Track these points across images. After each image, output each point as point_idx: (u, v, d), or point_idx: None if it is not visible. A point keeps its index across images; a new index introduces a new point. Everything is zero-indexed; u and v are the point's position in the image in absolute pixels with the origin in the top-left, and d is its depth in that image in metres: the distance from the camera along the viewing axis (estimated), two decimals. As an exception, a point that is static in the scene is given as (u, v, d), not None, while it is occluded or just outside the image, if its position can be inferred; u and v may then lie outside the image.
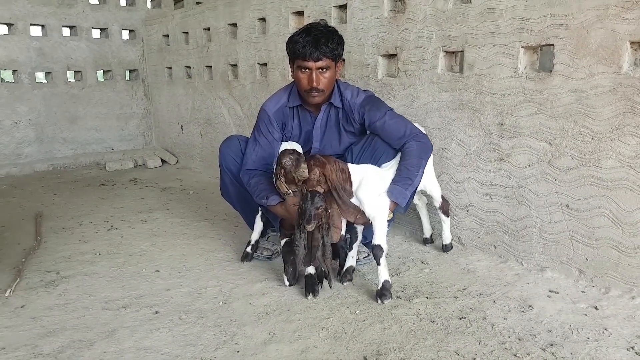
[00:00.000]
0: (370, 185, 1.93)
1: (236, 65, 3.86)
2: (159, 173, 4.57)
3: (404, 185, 1.94)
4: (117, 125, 5.13)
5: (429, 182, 2.24)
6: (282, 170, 1.90)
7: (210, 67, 4.16)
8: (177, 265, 2.32)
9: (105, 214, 3.21)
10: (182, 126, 4.77)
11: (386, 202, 1.92)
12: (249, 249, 2.34)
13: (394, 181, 1.96)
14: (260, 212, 2.30)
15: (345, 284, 2.04)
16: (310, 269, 1.95)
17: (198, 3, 4.73)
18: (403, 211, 2.04)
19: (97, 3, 4.94)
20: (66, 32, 4.73)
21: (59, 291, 2.05)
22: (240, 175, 2.22)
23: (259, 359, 1.53)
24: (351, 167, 1.97)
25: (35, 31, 4.57)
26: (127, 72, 5.16)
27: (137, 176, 4.41)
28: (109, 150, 5.06)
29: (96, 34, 4.94)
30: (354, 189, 1.93)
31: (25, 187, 3.97)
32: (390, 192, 1.94)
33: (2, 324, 1.77)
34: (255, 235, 2.34)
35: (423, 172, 2.02)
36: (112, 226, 2.96)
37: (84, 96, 4.87)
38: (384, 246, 1.91)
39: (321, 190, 1.85)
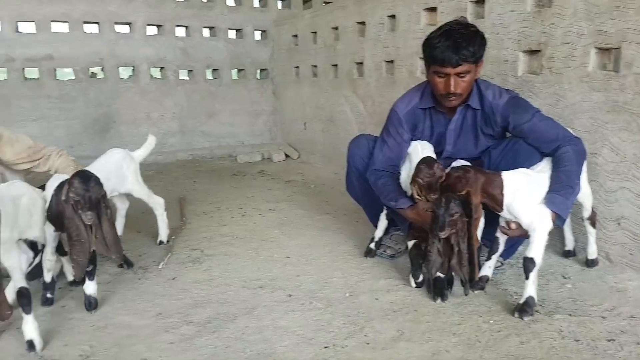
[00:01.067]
0: (528, 194, 1.78)
1: (362, 63, 3.93)
2: (283, 167, 4.83)
3: (565, 195, 1.77)
4: (248, 121, 5.50)
5: (582, 189, 2.02)
6: (418, 180, 1.85)
7: (336, 65, 4.28)
8: (305, 253, 2.44)
9: (239, 201, 3.47)
10: (305, 123, 4.98)
11: (547, 212, 1.76)
12: (372, 246, 2.38)
13: (552, 190, 1.79)
14: (385, 210, 2.32)
15: (476, 292, 1.95)
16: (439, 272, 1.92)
17: (326, 3, 4.89)
18: (561, 223, 1.83)
19: (234, 5, 5.33)
20: (206, 32, 5.17)
21: (204, 267, 2.28)
22: (367, 175, 2.24)
23: (389, 355, 1.55)
24: (505, 176, 1.78)
25: (180, 32, 5.06)
26: (258, 71, 5.51)
27: (264, 169, 4.70)
28: (240, 144, 5.45)
29: (232, 34, 5.33)
30: (507, 200, 1.76)
31: (169, 173, 4.43)
32: (551, 202, 1.76)
33: (157, 292, 2.02)
34: (379, 233, 2.37)
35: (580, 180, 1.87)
36: (245, 213, 3.20)
37: (221, 93, 5.29)
38: (538, 260, 1.76)
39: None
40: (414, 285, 2.02)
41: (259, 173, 4.52)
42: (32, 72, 4.56)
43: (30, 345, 1.57)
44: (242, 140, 5.49)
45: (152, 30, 4.95)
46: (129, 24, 4.78)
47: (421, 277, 2.01)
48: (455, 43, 1.87)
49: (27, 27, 4.44)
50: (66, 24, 4.52)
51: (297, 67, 4.98)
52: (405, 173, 2.15)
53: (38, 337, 1.58)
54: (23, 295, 1.56)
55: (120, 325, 1.74)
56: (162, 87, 5.00)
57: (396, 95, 3.44)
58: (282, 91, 5.42)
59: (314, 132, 4.82)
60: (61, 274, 2.08)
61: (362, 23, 3.86)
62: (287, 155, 5.18)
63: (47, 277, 1.87)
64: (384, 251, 2.37)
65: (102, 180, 1.77)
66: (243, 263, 2.32)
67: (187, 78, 5.18)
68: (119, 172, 2.36)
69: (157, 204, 2.55)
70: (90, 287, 1.84)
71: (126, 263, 2.24)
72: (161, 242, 2.55)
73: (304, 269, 2.25)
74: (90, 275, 1.82)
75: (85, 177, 1.69)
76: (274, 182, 4.15)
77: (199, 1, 5.02)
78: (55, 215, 1.76)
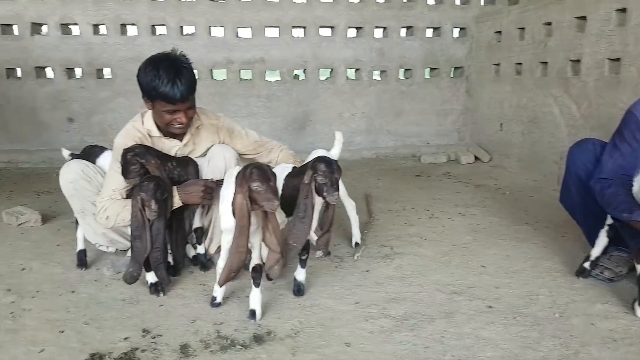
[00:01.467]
0: None
1: (578, 60, 3.53)
2: (471, 169, 4.62)
3: None
4: (435, 121, 5.40)
5: None
6: None
7: (545, 63, 3.92)
8: (503, 265, 2.30)
9: (425, 202, 3.43)
10: (501, 124, 4.68)
11: None
12: (586, 265, 2.12)
13: None
14: (606, 227, 2.05)
15: None
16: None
17: (537, -3, 4.50)
18: None
19: (434, 3, 5.26)
20: (403, 33, 5.20)
21: (395, 265, 2.31)
22: (591, 184, 2.00)
23: (615, 388, 1.38)
24: None
25: (378, 33, 5.16)
26: (453, 69, 5.36)
27: (449, 170, 4.56)
28: (424, 144, 5.39)
29: (429, 33, 5.27)
30: None
31: (355, 170, 4.59)
32: None
33: (354, 282, 2.12)
34: (596, 252, 2.10)
35: None
36: (432, 215, 3.15)
37: (411, 92, 5.29)
38: None
39: None
40: (639, 314, 1.77)
41: (444, 175, 4.40)
42: (246, 74, 5.13)
43: (252, 314, 1.79)
44: (428, 141, 5.41)
45: (351, 33, 5.17)
46: (332, 27, 5.07)
47: None
48: None
49: (244, 32, 5.02)
50: (277, 28, 4.98)
51: (497, 64, 4.70)
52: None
53: (260, 308, 1.80)
54: (256, 271, 1.79)
55: (323, 307, 1.88)
56: (355, 88, 5.20)
57: (620, 97, 3.06)
58: (477, 90, 5.19)
59: (511, 133, 4.51)
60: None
61: (582, 18, 3.46)
62: (476, 158, 4.94)
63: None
64: (601, 272, 2.10)
65: None
66: (434, 266, 2.29)
67: (380, 78, 5.30)
68: None
69: (350, 205, 2.57)
70: (301, 274, 1.97)
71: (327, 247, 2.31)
72: (357, 244, 2.54)
73: (503, 281, 2.12)
74: (303, 263, 1.97)
75: (329, 161, 1.79)
76: (462, 185, 4.00)
77: (399, 1, 5.08)
78: (287, 200, 1.91)
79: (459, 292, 2.01)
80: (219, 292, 1.88)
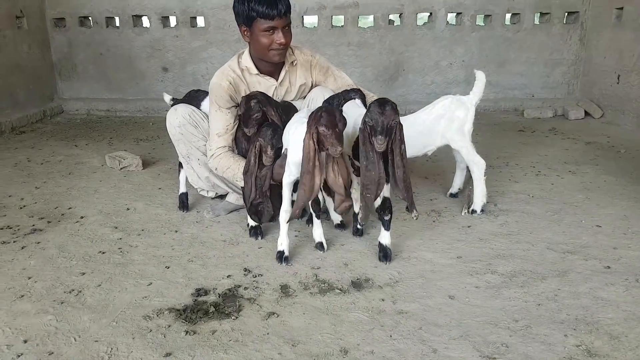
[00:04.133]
0: None
1: None
2: (580, 125, 4.27)
3: None
4: (543, 72, 4.99)
5: None
6: None
7: (682, 4, 3.44)
8: (620, 225, 2.15)
9: (530, 159, 3.24)
10: (619, 76, 4.23)
11: None
12: None
13: None
14: None
15: None
16: None
17: None
18: None
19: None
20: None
21: (499, 221, 2.23)
22: None
23: None
24: None
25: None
26: (566, 14, 4.87)
27: (556, 126, 4.24)
28: (528, 97, 5.03)
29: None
30: None
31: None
32: None
33: (454, 237, 2.07)
34: None
35: None
36: (539, 172, 2.97)
37: (517, 40, 4.89)
38: None
39: None
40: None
41: (550, 131, 4.11)
42: (338, 20, 4.99)
43: (320, 245, 1.94)
44: (532, 93, 5.04)
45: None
46: (432, -34, 4.76)
47: None
48: None
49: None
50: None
51: (619, 8, 4.20)
52: None
53: (324, 241, 1.96)
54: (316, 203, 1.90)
55: (422, 260, 1.87)
56: (455, 34, 4.90)
57: None
58: (592, 37, 4.69)
59: (630, 87, 4.06)
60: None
61: None
62: (587, 113, 4.54)
63: (356, 208, 2.01)
64: None
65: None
66: (544, 224, 2.19)
67: (483, 24, 4.95)
68: (450, 120, 2.22)
69: (476, 164, 2.28)
70: (385, 237, 1.86)
71: (413, 207, 1.90)
72: (474, 212, 2.30)
73: (621, 241, 1.98)
74: (386, 224, 1.84)
75: (382, 103, 1.64)
76: (571, 141, 3.72)
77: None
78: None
79: (573, 251, 1.91)
80: (285, 246, 1.87)
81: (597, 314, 1.47)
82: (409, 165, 1.70)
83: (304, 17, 4.92)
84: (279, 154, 1.89)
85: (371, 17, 4.91)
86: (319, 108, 1.67)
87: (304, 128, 1.67)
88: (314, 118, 1.62)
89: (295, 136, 1.75)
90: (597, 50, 4.59)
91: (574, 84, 4.98)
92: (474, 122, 2.28)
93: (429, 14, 4.89)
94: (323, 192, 2.13)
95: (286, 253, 1.87)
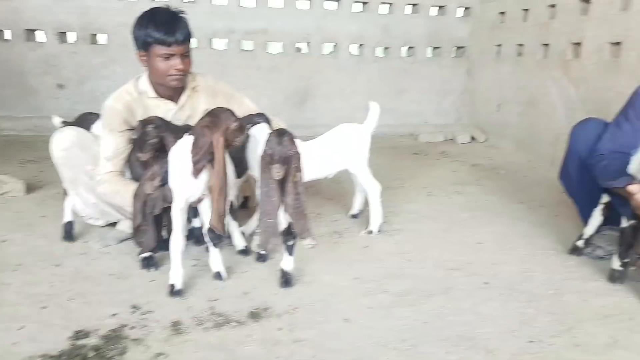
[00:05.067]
0: None
1: (579, 43, 3.53)
2: (467, 149, 4.66)
3: None
4: (435, 100, 5.39)
5: None
6: None
7: (547, 45, 3.92)
8: (500, 242, 2.36)
9: (422, 180, 3.46)
10: (499, 104, 4.70)
11: None
12: (579, 243, 2.19)
13: None
14: (601, 205, 2.10)
15: None
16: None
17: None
18: None
19: (440, -19, 5.19)
20: (408, 10, 5.14)
21: (394, 240, 2.35)
22: (590, 161, 2.04)
23: (604, 361, 1.44)
24: None
25: (383, 9, 5.08)
26: (455, 49, 5.33)
27: (446, 150, 4.59)
28: (423, 123, 5.39)
29: (433, 11, 5.21)
30: None
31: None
32: None
33: (353, 258, 2.14)
34: (589, 230, 2.16)
35: None
36: (430, 193, 3.19)
37: (413, 71, 5.26)
38: None
39: None
40: (617, 265, 1.90)
41: (441, 154, 4.43)
42: (248, 45, 5.04)
43: (218, 275, 1.88)
44: (426, 120, 5.42)
45: (357, 8, 5.10)
46: (337, 0, 4.99)
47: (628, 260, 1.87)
48: None
49: (248, 2, 4.88)
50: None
51: (499, 45, 4.69)
52: (638, 164, 1.90)
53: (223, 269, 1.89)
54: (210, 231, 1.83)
55: (323, 283, 1.90)
56: (358, 64, 5.16)
57: (619, 81, 3.08)
58: (477, 70, 5.18)
59: (508, 114, 4.53)
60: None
61: (586, 1, 3.45)
62: (472, 138, 4.98)
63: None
64: (593, 251, 2.17)
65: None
66: (433, 242, 2.34)
67: (383, 55, 5.27)
68: (348, 147, 2.35)
69: (372, 188, 2.43)
70: (288, 263, 1.85)
71: (305, 235, 1.83)
72: (371, 232, 2.41)
73: (500, 257, 2.18)
74: (289, 249, 1.84)
75: (280, 134, 1.71)
76: (459, 164, 4.04)
77: (406, -22, 5.01)
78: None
79: (457, 268, 2.06)
80: (178, 278, 1.77)
81: (476, 329, 1.59)
82: (305, 192, 1.74)
83: (213, 40, 4.90)
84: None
85: (280, 44, 5.03)
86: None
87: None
88: (224, 117, 1.67)
89: (178, 160, 1.72)
90: (481, 82, 5.07)
91: (462, 111, 5.44)
92: (372, 147, 2.44)
93: (334, 44, 5.11)
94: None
95: (179, 286, 1.78)
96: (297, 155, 1.70)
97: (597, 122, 2.15)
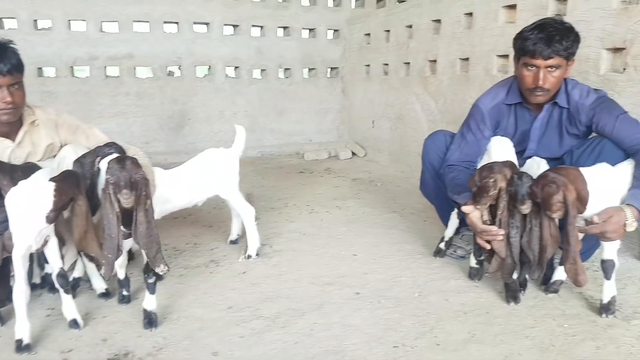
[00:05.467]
0: (608, 190, 1.71)
1: (435, 61, 3.86)
2: (349, 164, 4.85)
3: None
4: (316, 119, 5.56)
5: None
6: (474, 181, 1.81)
7: (408, 63, 4.23)
8: (372, 252, 2.45)
9: (306, 198, 3.52)
10: (373, 121, 4.96)
11: (621, 217, 1.64)
12: (442, 246, 2.34)
13: (635, 186, 1.69)
14: (456, 210, 2.27)
15: (549, 295, 1.92)
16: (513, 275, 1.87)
17: (400, 1, 4.83)
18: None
19: (308, 5, 5.39)
20: (280, 32, 5.27)
21: (273, 262, 2.34)
22: (441, 171, 2.22)
23: (461, 357, 1.54)
24: (585, 172, 1.70)
25: (255, 32, 5.17)
26: (329, 69, 5.55)
27: (330, 166, 4.73)
28: (307, 142, 5.52)
29: (305, 34, 5.40)
30: (590, 198, 1.67)
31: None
32: (634, 198, 1.66)
33: (229, 286, 2.08)
34: (449, 232, 2.33)
35: None
36: (312, 210, 3.24)
37: (291, 92, 5.38)
38: (616, 261, 1.74)
39: (557, 216, 1.67)
40: (474, 263, 2.04)
41: (325, 170, 4.56)
42: (113, 70, 4.80)
43: (74, 323, 1.72)
44: (310, 138, 5.56)
45: (228, 30, 5.10)
46: (207, 23, 4.96)
47: (482, 257, 2.01)
48: (549, 36, 1.85)
49: (110, 27, 4.67)
50: (147, 23, 4.73)
51: (367, 65, 4.97)
52: None
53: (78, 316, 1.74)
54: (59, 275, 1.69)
55: (192, 318, 1.81)
56: (235, 86, 5.15)
57: (471, 93, 3.39)
58: (351, 89, 5.44)
59: (381, 130, 4.80)
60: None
61: (437, 21, 3.79)
62: (353, 153, 5.19)
63: (121, 274, 1.92)
64: (454, 251, 2.34)
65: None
66: (311, 259, 2.36)
67: (260, 77, 5.31)
68: (216, 172, 2.30)
69: (246, 212, 2.39)
70: (150, 302, 1.75)
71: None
72: (249, 257, 2.36)
73: (371, 267, 2.25)
74: (151, 287, 1.74)
75: (121, 159, 1.62)
76: (341, 179, 4.18)
77: (274, 1, 5.13)
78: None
79: (331, 282, 2.09)
80: (24, 331, 1.60)
81: (344, 342, 1.62)
82: (154, 221, 1.66)
83: (74, 67, 4.59)
84: None
85: (149, 68, 4.84)
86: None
87: (34, 194, 1.51)
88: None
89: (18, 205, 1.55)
90: (356, 100, 5.33)
91: (342, 128, 5.66)
92: (259, 169, 2.39)
93: (208, 66, 5.05)
94: (83, 257, 1.94)
95: (26, 340, 1.59)
96: (144, 180, 1.61)
97: (445, 133, 2.33)
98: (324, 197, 3.57)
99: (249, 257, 2.37)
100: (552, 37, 1.83)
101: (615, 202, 1.69)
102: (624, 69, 2.30)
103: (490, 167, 1.78)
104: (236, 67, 5.15)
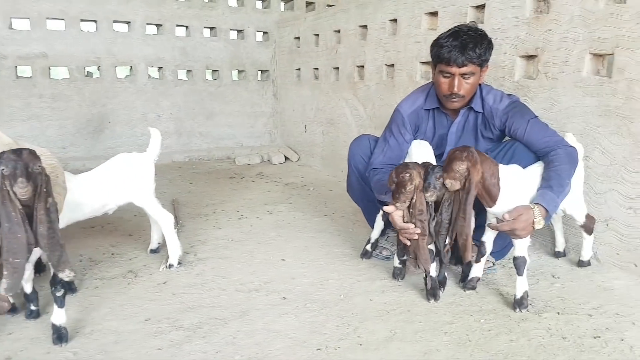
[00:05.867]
0: (519, 189, 1.80)
1: (363, 66, 3.93)
2: (282, 169, 4.82)
3: (555, 192, 1.76)
4: (247, 123, 5.48)
5: (571, 202, 2.03)
6: (391, 178, 1.86)
7: (337, 68, 4.28)
8: (301, 256, 2.43)
9: (236, 204, 3.45)
10: (305, 125, 4.97)
11: (530, 215, 1.74)
12: (368, 247, 2.37)
13: (543, 186, 1.79)
14: (381, 212, 2.31)
15: (467, 292, 1.99)
16: (431, 272, 1.92)
17: (329, 6, 4.88)
18: (547, 222, 1.84)
19: (236, 5, 5.32)
20: (206, 33, 5.15)
21: (196, 271, 2.25)
22: (367, 174, 2.25)
23: (382, 355, 1.55)
24: (501, 167, 1.79)
25: (180, 32, 5.03)
26: (259, 72, 5.49)
27: (262, 171, 4.68)
28: (238, 146, 5.43)
29: (233, 35, 5.31)
30: (502, 194, 1.76)
31: (165, 175, 4.34)
32: (542, 197, 1.75)
33: (147, 297, 1.98)
34: (375, 234, 2.36)
35: (570, 182, 1.87)
36: (242, 215, 3.18)
37: (220, 94, 5.27)
38: (527, 258, 1.83)
39: (457, 187, 1.75)
40: (397, 263, 2.09)
41: (257, 175, 4.50)
42: (25, 71, 4.50)
43: None
44: (241, 142, 5.47)
45: (151, 30, 4.92)
46: (128, 22, 4.76)
47: (405, 257, 2.06)
48: (463, 43, 1.91)
49: (21, 24, 4.37)
50: (62, 21, 4.46)
51: (298, 69, 4.97)
52: None
53: None
54: None
55: (106, 331, 1.71)
56: (159, 87, 4.98)
57: (396, 98, 3.47)
58: (282, 93, 5.42)
59: (314, 134, 4.81)
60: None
61: (364, 26, 3.85)
62: (286, 158, 5.17)
63: (28, 288, 1.78)
64: (380, 252, 2.37)
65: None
66: (237, 266, 2.30)
67: (186, 78, 5.16)
68: (129, 178, 2.17)
69: (164, 219, 2.27)
70: (59, 316, 1.63)
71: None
72: (171, 266, 2.26)
73: (299, 271, 2.23)
74: (59, 301, 1.63)
75: (16, 150, 1.46)
76: (273, 184, 4.14)
77: (200, 1, 5.01)
78: None
79: (258, 288, 2.05)
80: None
81: (267, 348, 1.58)
82: (57, 222, 1.51)
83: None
84: None
85: (65, 69, 4.56)
86: None
87: None
88: None
89: None
90: (288, 104, 5.31)
91: (275, 132, 5.63)
92: (187, 174, 2.29)
93: (129, 67, 4.84)
94: None
95: None
96: (45, 176, 1.48)
97: (370, 137, 2.37)
98: (254, 202, 3.51)
99: (170, 266, 2.27)
100: (466, 45, 1.90)
101: (525, 201, 1.79)
102: (536, 75, 2.44)
103: (406, 164, 1.84)
104: (160, 68, 4.98)
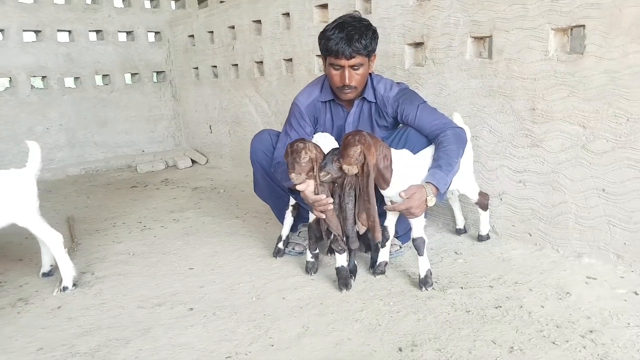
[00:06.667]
0: (410, 172, 1.85)
1: (262, 62, 3.87)
2: (189, 173, 4.63)
3: (445, 171, 1.83)
4: (147, 128, 5.21)
5: (462, 181, 2.14)
6: (294, 157, 1.85)
7: (236, 65, 4.18)
8: (210, 262, 2.33)
9: (138, 214, 3.26)
10: (210, 126, 4.81)
11: (423, 193, 1.80)
12: (280, 245, 2.33)
13: (433, 166, 1.86)
14: (290, 207, 2.28)
15: (377, 277, 2.02)
16: (342, 262, 1.93)
17: (222, 2, 4.75)
18: (440, 199, 1.91)
19: (122, 6, 5.02)
20: (93, 36, 4.82)
21: (94, 291, 2.08)
22: (272, 169, 2.20)
23: (293, 353, 1.52)
24: (393, 151, 1.85)
25: (63, 37, 4.67)
26: (155, 74, 5.23)
27: (168, 177, 4.47)
28: (139, 153, 5.14)
29: (122, 37, 5.01)
30: (394, 176, 1.82)
31: (59, 191, 4.04)
32: (432, 176, 1.82)
33: (39, 325, 1.81)
34: (285, 231, 2.33)
35: (460, 162, 1.95)
36: (145, 226, 3.00)
37: (113, 100, 4.95)
38: (425, 237, 1.88)
39: (355, 171, 1.78)
40: (310, 257, 2.09)
41: (162, 182, 4.29)
42: None
43: None
44: (142, 149, 5.19)
45: (30, 37, 4.50)
46: (1, 30, 4.31)
47: (317, 250, 2.11)
48: (348, 35, 1.91)
49: None
50: None
51: (196, 68, 4.80)
52: None
53: None
54: None
55: (-8, 368, 1.53)
56: (45, 98, 4.57)
57: (296, 93, 3.44)
58: (182, 94, 5.20)
59: (220, 134, 4.67)
60: None
61: (258, 21, 3.79)
62: (194, 161, 4.97)
63: None
64: (293, 249, 2.34)
65: None
66: (139, 281, 2.16)
67: (74, 86, 4.79)
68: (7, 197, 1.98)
69: (53, 239, 2.08)
70: None
71: None
72: (65, 288, 2.08)
73: (208, 278, 2.14)
74: None
75: None
76: (180, 190, 3.96)
77: (82, 3, 4.66)
78: None
79: (162, 302, 1.93)
80: None
81: (173, 363, 1.49)
82: None
83: None
84: None
85: None
86: None
87: None
88: None
89: None
90: (189, 105, 5.12)
91: (179, 136, 5.40)
92: (83, 187, 2.09)
93: (8, 78, 4.40)
94: None
95: None
96: None
97: (271, 132, 2.33)
98: (159, 211, 3.34)
99: (65, 289, 2.08)
100: (352, 37, 1.91)
101: (417, 182, 1.85)
102: (425, 62, 2.53)
103: (301, 138, 1.90)
104: (44, 77, 4.57)
